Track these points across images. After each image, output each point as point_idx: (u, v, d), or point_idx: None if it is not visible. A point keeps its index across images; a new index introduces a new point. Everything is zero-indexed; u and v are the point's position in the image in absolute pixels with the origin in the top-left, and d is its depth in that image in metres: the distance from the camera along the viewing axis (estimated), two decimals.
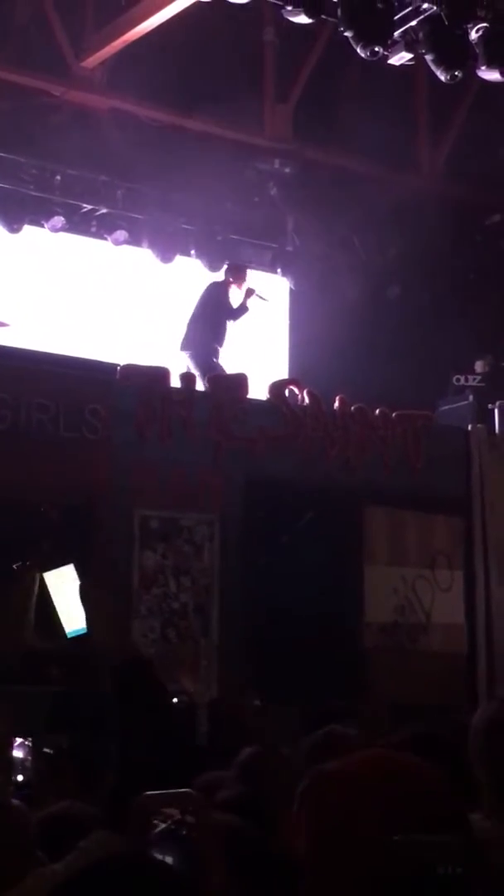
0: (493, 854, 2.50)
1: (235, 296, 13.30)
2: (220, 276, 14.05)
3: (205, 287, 13.55)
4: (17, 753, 7.92)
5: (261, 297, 13.37)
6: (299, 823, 1.93)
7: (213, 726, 8.61)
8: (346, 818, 1.84)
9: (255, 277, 13.81)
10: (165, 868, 1.96)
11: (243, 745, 4.62)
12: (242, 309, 13.24)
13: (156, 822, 2.33)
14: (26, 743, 7.75)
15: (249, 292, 13.31)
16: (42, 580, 3.57)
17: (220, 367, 12.76)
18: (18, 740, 7.71)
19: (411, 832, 1.82)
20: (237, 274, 13.51)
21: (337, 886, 1.82)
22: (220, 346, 12.98)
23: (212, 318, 13.07)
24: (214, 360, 12.85)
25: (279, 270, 15.73)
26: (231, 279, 13.45)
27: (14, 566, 3.60)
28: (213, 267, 14.98)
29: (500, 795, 2.65)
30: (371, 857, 1.80)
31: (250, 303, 13.27)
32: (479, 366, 14.43)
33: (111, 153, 14.23)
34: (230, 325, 13.12)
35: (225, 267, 13.72)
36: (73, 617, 3.39)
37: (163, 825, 2.32)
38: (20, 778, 7.28)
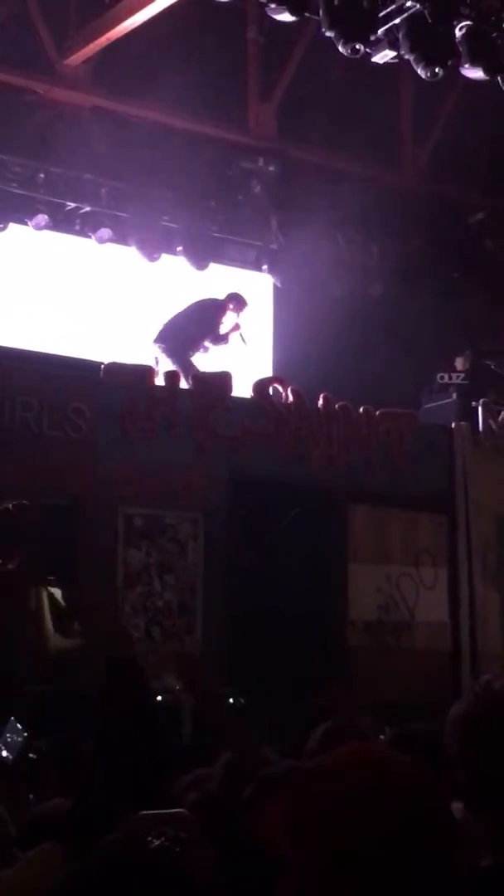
0: (471, 849, 2.50)
1: (227, 321, 13.29)
2: (219, 289, 13.99)
3: (202, 297, 13.51)
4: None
5: (242, 339, 13.33)
6: (280, 819, 1.94)
7: (198, 725, 8.60)
8: (325, 813, 1.84)
9: (245, 295, 13.74)
10: (168, 872, 1.97)
11: (227, 744, 4.61)
12: (223, 338, 13.24)
13: (150, 839, 2.36)
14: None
15: (236, 326, 13.30)
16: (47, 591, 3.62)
17: (194, 365, 12.76)
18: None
19: (391, 826, 1.82)
20: (238, 304, 13.46)
21: (318, 882, 1.82)
22: (192, 356, 12.98)
23: (196, 332, 13.04)
24: (188, 357, 12.85)
25: (263, 268, 15.72)
26: (231, 305, 13.40)
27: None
28: (199, 266, 14.97)
29: (478, 790, 2.65)
30: (351, 851, 1.80)
31: (232, 336, 13.28)
32: (459, 363, 14.46)
33: (95, 151, 14.19)
34: (207, 345, 13.10)
35: (230, 293, 13.67)
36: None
37: (157, 842, 2.35)
38: None
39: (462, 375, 14.30)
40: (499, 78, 11.87)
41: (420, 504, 12.53)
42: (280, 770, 3.68)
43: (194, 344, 12.95)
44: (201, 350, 12.97)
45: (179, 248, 14.96)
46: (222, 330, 13.23)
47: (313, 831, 1.86)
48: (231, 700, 9.87)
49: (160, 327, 13.03)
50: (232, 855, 3.12)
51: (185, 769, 4.91)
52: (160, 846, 2.32)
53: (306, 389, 12.24)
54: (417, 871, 1.82)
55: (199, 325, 13.10)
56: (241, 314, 13.41)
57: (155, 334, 12.96)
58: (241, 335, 13.30)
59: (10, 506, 9.00)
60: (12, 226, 14.05)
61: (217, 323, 13.23)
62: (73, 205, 14.36)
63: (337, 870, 1.81)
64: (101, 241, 14.54)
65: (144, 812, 2.51)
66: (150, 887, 1.85)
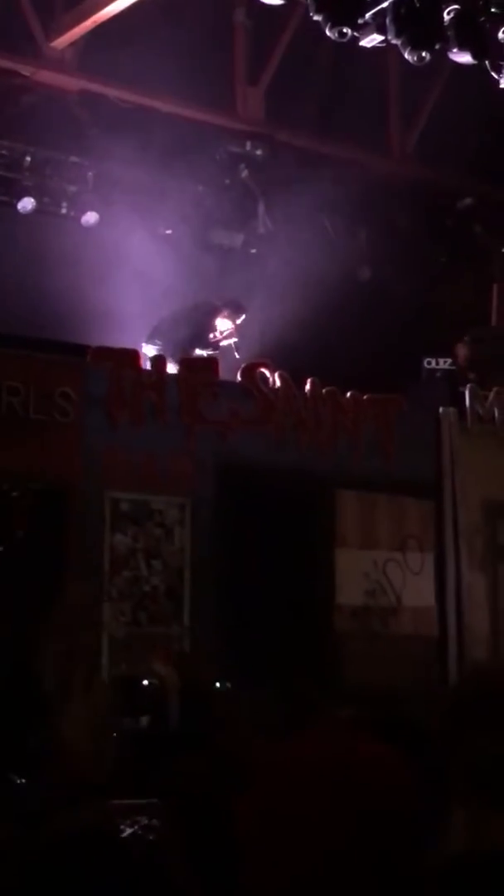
0: (456, 839, 2.50)
1: (220, 326, 13.23)
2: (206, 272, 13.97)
3: (198, 301, 13.46)
4: None
5: (235, 350, 13.22)
6: (245, 805, 1.93)
7: (184, 710, 8.60)
8: (287, 801, 1.84)
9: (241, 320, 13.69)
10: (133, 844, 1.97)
11: (214, 730, 4.61)
12: (213, 345, 13.18)
13: (123, 826, 2.36)
14: None
15: (230, 335, 13.21)
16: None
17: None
18: None
19: (360, 814, 1.81)
20: (234, 311, 13.40)
21: (272, 868, 1.82)
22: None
23: (188, 335, 13.02)
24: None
25: (251, 252, 15.69)
26: (227, 311, 13.35)
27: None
28: (187, 249, 14.94)
29: (466, 775, 2.65)
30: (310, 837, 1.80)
31: (223, 344, 13.21)
32: (460, 350, 14.43)
33: (82, 134, 14.15)
34: (198, 351, 13.05)
35: (228, 298, 13.62)
36: None
37: (130, 829, 2.35)
38: None
39: (449, 361, 14.28)
40: (486, 62, 11.85)
41: (407, 489, 12.52)
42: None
43: (186, 346, 12.91)
44: (191, 355, 12.91)
45: (166, 233, 14.92)
46: (215, 336, 13.17)
47: (273, 820, 1.86)
48: (217, 685, 9.87)
49: (153, 325, 13.01)
50: (215, 844, 3.11)
51: (171, 754, 4.90)
52: (133, 834, 2.32)
53: (293, 374, 12.22)
54: (378, 861, 1.82)
55: (192, 328, 13.07)
56: (238, 321, 13.34)
57: (147, 332, 12.93)
58: (234, 345, 13.18)
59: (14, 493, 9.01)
60: None
61: (210, 328, 13.18)
62: (59, 188, 14.32)
63: (294, 859, 1.80)
64: (87, 223, 14.50)
65: (118, 801, 2.50)
66: (120, 873, 1.84)
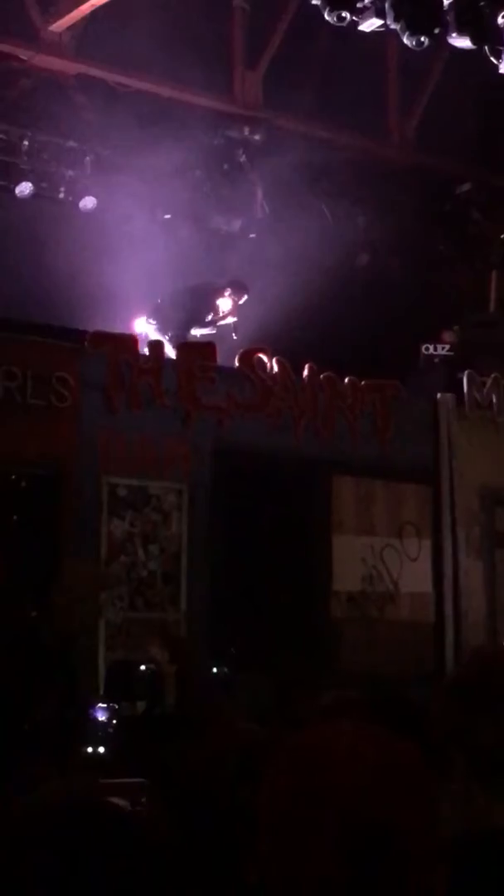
0: (455, 822, 2.50)
1: (222, 305, 13.21)
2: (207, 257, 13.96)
3: (200, 281, 13.43)
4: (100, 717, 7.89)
5: (234, 331, 13.20)
6: (260, 793, 1.92)
7: (181, 695, 8.61)
8: (305, 791, 1.83)
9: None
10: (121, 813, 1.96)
11: (210, 715, 4.61)
12: (211, 323, 13.16)
13: (115, 800, 2.35)
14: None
15: (231, 314, 13.20)
16: None
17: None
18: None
19: (373, 806, 1.80)
20: (237, 291, 13.38)
21: (290, 854, 1.81)
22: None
23: (187, 316, 13.01)
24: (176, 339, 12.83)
25: (249, 237, 15.66)
26: (230, 291, 13.32)
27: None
28: (185, 234, 14.91)
29: (468, 759, 2.64)
30: (329, 830, 1.79)
31: (220, 323, 13.20)
32: (447, 335, 14.43)
33: (79, 119, 14.12)
34: (195, 332, 13.05)
35: (231, 278, 13.59)
36: None
37: (123, 803, 2.34)
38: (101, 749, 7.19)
39: (447, 347, 14.27)
40: (486, 48, 11.81)
41: (404, 475, 12.53)
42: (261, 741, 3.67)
43: (184, 327, 12.90)
44: (188, 336, 12.90)
45: (164, 217, 14.90)
46: (215, 315, 13.15)
47: (289, 803, 1.85)
48: (214, 670, 9.89)
49: (154, 303, 12.98)
50: (212, 830, 3.11)
51: (168, 738, 4.91)
52: (127, 807, 2.31)
53: (291, 360, 12.20)
54: (392, 843, 1.81)
55: (192, 309, 13.04)
56: (240, 301, 13.31)
57: (147, 310, 12.91)
58: (233, 325, 13.17)
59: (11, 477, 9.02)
60: None
61: (210, 308, 13.16)
62: (57, 172, 14.28)
63: (308, 843, 1.80)
64: (85, 208, 14.47)
65: (105, 780, 2.50)
66: (118, 843, 1.83)
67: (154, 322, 12.78)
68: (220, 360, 11.86)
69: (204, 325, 13.08)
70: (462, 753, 2.59)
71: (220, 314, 13.19)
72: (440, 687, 2.78)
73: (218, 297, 13.22)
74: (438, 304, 15.03)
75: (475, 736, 2.61)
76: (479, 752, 2.59)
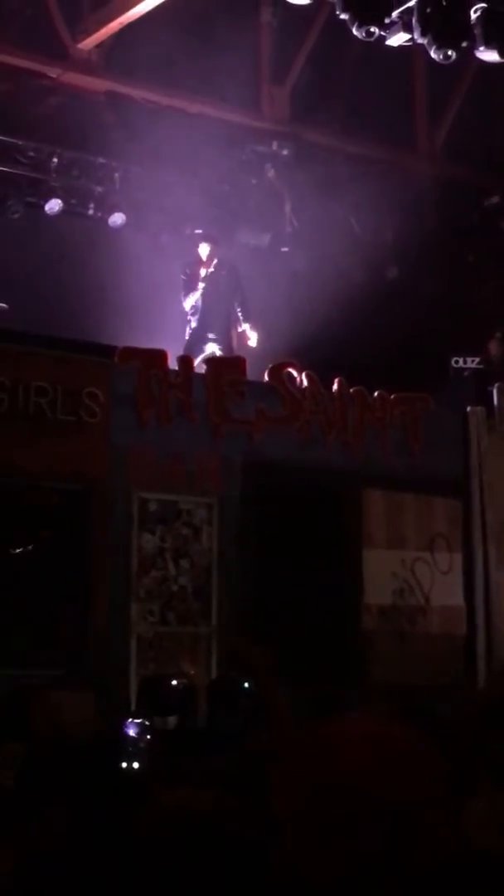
0: (485, 835, 2.49)
1: (202, 251, 13.35)
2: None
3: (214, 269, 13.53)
4: (132, 732, 7.89)
5: (248, 338, 13.34)
6: (283, 783, 1.93)
7: (213, 708, 8.62)
8: (324, 781, 1.83)
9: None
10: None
11: (241, 727, 4.62)
12: (193, 283, 13.27)
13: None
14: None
15: (208, 261, 13.31)
16: None
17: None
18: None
19: (390, 793, 1.81)
20: (206, 236, 13.58)
21: (310, 850, 1.82)
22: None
23: (225, 303, 13.19)
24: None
25: (278, 252, 15.69)
26: (201, 241, 13.49)
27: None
28: (213, 250, 14.96)
29: (496, 777, 2.65)
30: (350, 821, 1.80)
31: (203, 274, 13.26)
32: (493, 347, 14.38)
33: (108, 135, 14.19)
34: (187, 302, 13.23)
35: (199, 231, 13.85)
36: None
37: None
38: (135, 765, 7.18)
39: (477, 360, 14.24)
40: None
41: (435, 488, 12.50)
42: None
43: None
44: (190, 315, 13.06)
45: (198, 232, 14.95)
46: (197, 271, 13.25)
47: (309, 793, 1.86)
48: (246, 685, 9.88)
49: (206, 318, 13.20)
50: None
51: (200, 752, 4.91)
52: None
53: (321, 374, 12.21)
54: (410, 829, 1.81)
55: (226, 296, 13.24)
56: (214, 246, 13.42)
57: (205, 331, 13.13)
58: (248, 331, 13.25)
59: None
60: (27, 210, 14.05)
61: (197, 261, 13.29)
62: (86, 189, 14.36)
63: (329, 838, 1.80)
64: (114, 224, 14.54)
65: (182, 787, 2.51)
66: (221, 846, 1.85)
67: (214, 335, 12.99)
68: (249, 366, 11.86)
69: (189, 289, 13.17)
70: (489, 768, 2.60)
71: (205, 262, 13.24)
72: (468, 702, 2.78)
73: (198, 247, 13.39)
74: (468, 316, 15.00)
75: (502, 750, 2.61)
76: None
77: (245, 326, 13.24)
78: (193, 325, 13.16)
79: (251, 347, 13.10)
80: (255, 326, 13.27)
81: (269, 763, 3.96)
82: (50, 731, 2.87)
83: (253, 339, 13.17)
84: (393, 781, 1.82)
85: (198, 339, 13.07)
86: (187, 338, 13.12)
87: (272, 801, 1.92)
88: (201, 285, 13.18)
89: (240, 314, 13.27)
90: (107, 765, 3.11)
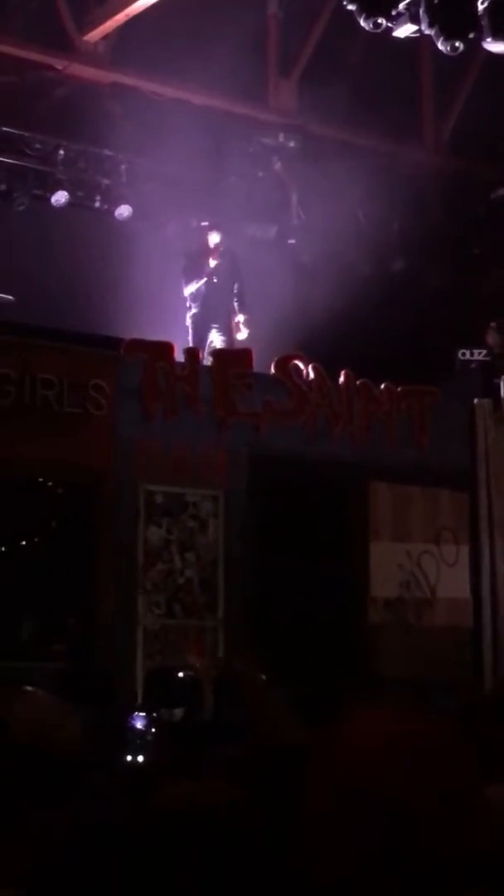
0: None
1: (211, 239, 13.35)
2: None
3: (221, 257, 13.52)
4: (139, 725, 7.90)
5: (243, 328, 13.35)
6: (307, 779, 1.93)
7: (219, 701, 8.62)
8: (347, 781, 1.83)
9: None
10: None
11: (249, 720, 4.61)
12: (196, 270, 13.26)
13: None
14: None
15: (215, 250, 13.32)
16: None
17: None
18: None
19: (416, 790, 1.81)
20: (213, 226, 13.58)
21: (335, 843, 1.81)
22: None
23: (228, 292, 13.19)
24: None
25: (284, 244, 15.67)
26: (206, 231, 13.48)
27: None
28: (221, 241, 14.95)
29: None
30: (376, 816, 1.79)
31: (212, 262, 13.26)
32: (490, 337, 14.35)
33: (114, 128, 14.17)
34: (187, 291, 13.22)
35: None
36: None
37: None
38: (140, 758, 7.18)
39: (484, 352, 14.22)
40: None
41: (441, 481, 12.49)
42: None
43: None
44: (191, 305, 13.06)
45: (205, 223, 14.92)
46: (204, 260, 13.25)
47: (332, 793, 1.86)
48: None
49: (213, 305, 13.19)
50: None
51: (207, 744, 4.91)
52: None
53: (327, 366, 12.20)
54: (435, 826, 1.81)
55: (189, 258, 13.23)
56: (224, 235, 13.44)
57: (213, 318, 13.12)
58: (244, 322, 13.22)
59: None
60: (33, 202, 14.04)
61: (205, 250, 13.25)
62: (92, 181, 14.34)
63: (354, 832, 1.80)
64: (121, 216, 14.52)
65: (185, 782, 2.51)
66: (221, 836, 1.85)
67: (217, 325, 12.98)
68: (256, 358, 11.85)
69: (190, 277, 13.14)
70: (498, 763, 2.60)
71: (213, 249, 13.26)
72: (474, 696, 2.78)
73: (207, 237, 13.38)
74: (474, 309, 14.97)
75: None
76: None
77: (239, 318, 13.20)
78: (194, 311, 13.13)
79: (241, 340, 13.11)
80: (249, 320, 13.22)
81: (297, 764, 3.96)
82: (31, 739, 2.86)
83: (244, 333, 13.12)
84: (413, 778, 1.82)
85: (202, 328, 13.05)
86: (189, 325, 13.08)
87: (300, 802, 1.92)
88: (208, 274, 13.16)
89: (236, 304, 13.24)
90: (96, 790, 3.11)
